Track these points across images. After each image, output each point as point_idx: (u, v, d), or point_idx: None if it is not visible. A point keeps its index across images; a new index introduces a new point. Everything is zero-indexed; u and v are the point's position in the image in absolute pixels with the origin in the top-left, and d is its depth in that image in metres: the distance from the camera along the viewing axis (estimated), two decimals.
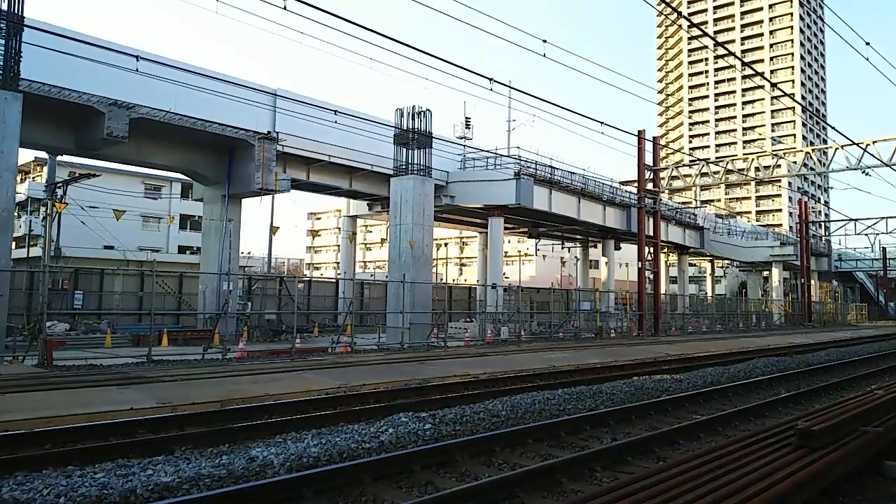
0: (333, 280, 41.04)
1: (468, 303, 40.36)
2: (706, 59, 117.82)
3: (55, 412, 8.23)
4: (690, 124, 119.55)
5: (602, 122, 19.52)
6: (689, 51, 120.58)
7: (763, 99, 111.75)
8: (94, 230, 34.26)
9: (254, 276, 32.95)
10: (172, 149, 23.88)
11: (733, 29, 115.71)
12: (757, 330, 41.08)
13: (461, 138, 37.08)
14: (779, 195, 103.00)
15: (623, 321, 34.06)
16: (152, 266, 18.81)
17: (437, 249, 48.65)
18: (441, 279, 57.03)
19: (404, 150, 25.67)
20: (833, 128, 22.92)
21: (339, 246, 60.24)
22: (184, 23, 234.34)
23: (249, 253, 53.74)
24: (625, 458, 6.70)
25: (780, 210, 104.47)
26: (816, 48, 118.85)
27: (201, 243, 28.74)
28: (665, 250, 46.46)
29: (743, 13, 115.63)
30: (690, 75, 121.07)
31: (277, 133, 24.46)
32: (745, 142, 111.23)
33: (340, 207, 41.97)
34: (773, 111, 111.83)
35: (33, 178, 44.47)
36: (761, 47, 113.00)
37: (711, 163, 35.36)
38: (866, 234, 49.06)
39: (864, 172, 27.12)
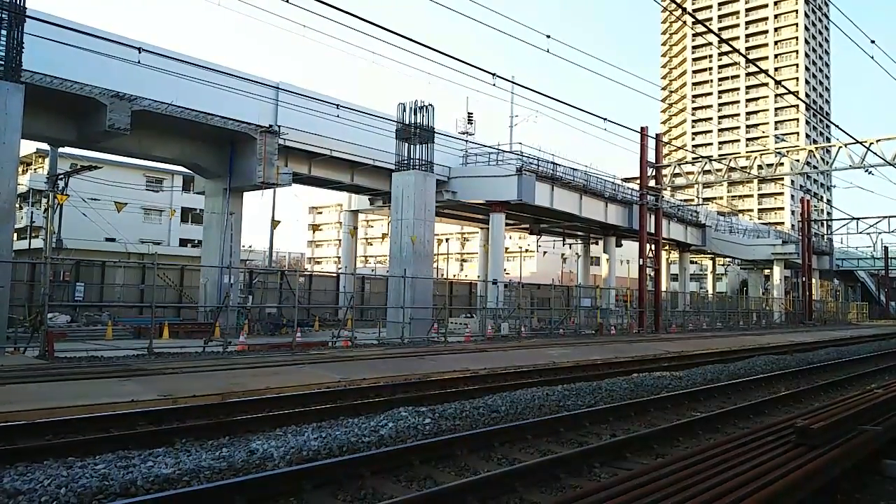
0: (334, 274, 41.00)
1: (469, 298, 40.32)
2: (710, 56, 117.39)
3: (56, 403, 8.26)
4: (693, 121, 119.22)
5: (605, 119, 19.45)
6: (694, 48, 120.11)
7: (767, 96, 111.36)
8: (95, 222, 34.31)
9: (255, 269, 32.93)
10: (174, 141, 23.91)
11: (738, 26, 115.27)
12: (757, 328, 41.08)
13: (463, 133, 37.04)
14: (781, 193, 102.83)
15: (623, 318, 34.06)
16: (154, 259, 18.79)
17: (438, 245, 48.59)
18: (442, 274, 56.96)
19: (406, 144, 25.62)
20: (837, 126, 22.82)
21: (340, 240, 60.29)
22: (186, 15, 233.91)
23: (250, 246, 53.58)
24: (623, 455, 6.72)
25: (782, 208, 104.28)
26: (821, 46, 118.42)
27: (203, 236, 28.77)
28: (666, 247, 46.37)
29: (748, 10, 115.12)
30: (694, 72, 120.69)
31: (279, 127, 24.45)
32: (748, 139, 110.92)
33: (342, 202, 41.90)
34: (776, 109, 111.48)
35: (35, 169, 44.53)
36: (766, 44, 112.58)
37: (714, 160, 35.29)
38: (868, 233, 49.16)
39: (867, 171, 27.13)
